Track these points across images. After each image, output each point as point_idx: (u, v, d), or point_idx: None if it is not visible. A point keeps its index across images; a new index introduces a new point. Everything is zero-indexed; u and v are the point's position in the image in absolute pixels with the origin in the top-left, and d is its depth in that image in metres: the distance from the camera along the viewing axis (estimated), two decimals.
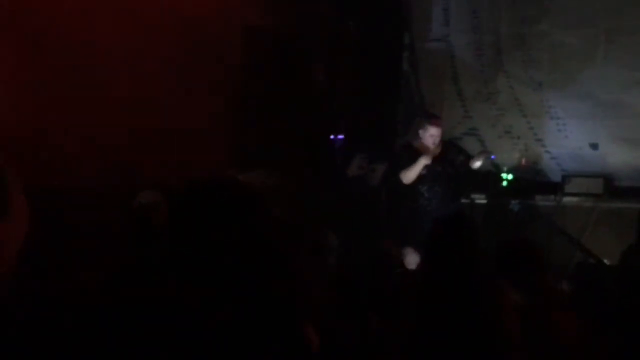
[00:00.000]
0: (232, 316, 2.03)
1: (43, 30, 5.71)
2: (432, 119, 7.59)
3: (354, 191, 7.98)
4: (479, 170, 7.69)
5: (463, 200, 8.14)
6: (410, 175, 7.23)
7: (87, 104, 5.94)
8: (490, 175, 8.33)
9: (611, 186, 8.13)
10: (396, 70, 8.71)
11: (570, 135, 8.38)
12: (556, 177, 8.35)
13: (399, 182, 7.38)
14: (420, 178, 7.28)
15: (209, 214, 2.18)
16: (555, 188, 8.27)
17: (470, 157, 7.45)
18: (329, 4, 8.38)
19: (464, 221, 3.88)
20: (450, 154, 7.40)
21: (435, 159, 7.28)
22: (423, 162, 7.18)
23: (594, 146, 8.31)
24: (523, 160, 8.50)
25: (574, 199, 8.22)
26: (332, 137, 8.40)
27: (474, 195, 8.31)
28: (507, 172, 8.25)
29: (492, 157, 8.54)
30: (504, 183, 8.21)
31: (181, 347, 2.01)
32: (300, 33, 7.97)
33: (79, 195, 5.49)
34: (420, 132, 7.35)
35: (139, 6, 6.22)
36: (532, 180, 8.43)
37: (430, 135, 7.29)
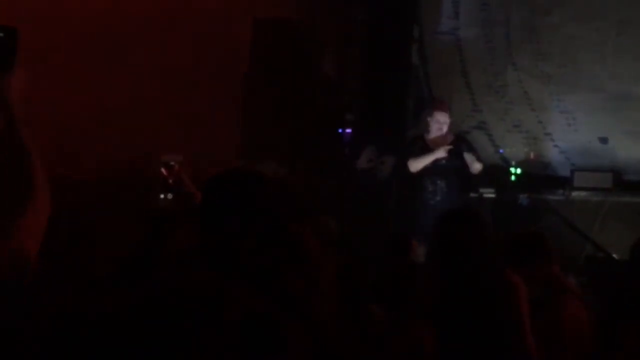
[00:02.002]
0: (251, 306, 2.03)
1: (58, 31, 5.71)
2: (438, 104, 7.57)
3: (363, 184, 7.97)
4: (487, 165, 7.66)
5: (471, 195, 8.11)
6: (418, 164, 7.13)
7: (100, 97, 5.94)
8: (499, 169, 8.31)
9: (620, 180, 8.10)
10: (405, 63, 8.68)
11: (580, 129, 8.35)
12: (565, 171, 8.32)
13: (406, 173, 7.32)
14: (424, 171, 7.21)
15: (237, 204, 2.20)
16: (564, 182, 8.24)
17: (478, 158, 7.34)
18: None
19: (473, 215, 3.87)
20: (460, 148, 7.32)
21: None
22: (438, 154, 7.09)
23: (604, 140, 8.28)
24: (532, 154, 8.47)
25: (583, 193, 8.19)
26: (340, 130, 8.38)
27: (482, 190, 8.28)
28: (516, 166, 8.22)
29: (501, 151, 8.53)
30: (513, 177, 8.19)
31: (198, 336, 2.01)
32: (309, 25, 7.96)
33: (93, 186, 5.50)
34: (428, 119, 7.30)
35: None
36: (541, 174, 8.41)
37: (437, 121, 7.21)
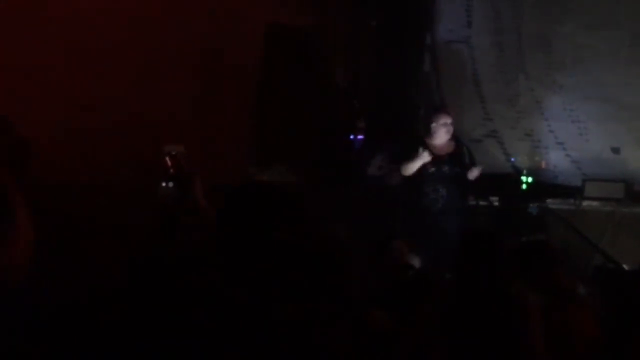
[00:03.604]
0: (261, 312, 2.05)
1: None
2: (440, 107, 7.56)
3: (372, 190, 7.97)
4: (499, 173, 7.67)
5: (482, 203, 8.10)
6: (408, 168, 7.11)
7: (108, 102, 5.95)
8: (510, 178, 8.29)
9: (632, 191, 8.08)
10: (417, 70, 8.68)
11: (592, 138, 8.34)
12: (576, 181, 8.30)
13: (405, 179, 7.30)
14: (425, 177, 7.18)
15: (254, 217, 2.24)
16: (575, 192, 8.22)
17: (474, 165, 7.27)
18: (351, 2, 8.38)
19: (493, 237, 3.87)
20: (461, 155, 7.28)
21: (443, 159, 7.19)
22: (424, 158, 7.00)
23: (616, 150, 8.26)
24: (543, 163, 8.46)
25: (594, 203, 8.17)
26: (352, 137, 8.40)
27: (492, 198, 8.27)
28: (527, 175, 8.21)
29: (512, 159, 8.51)
30: (524, 186, 8.17)
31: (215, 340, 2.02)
32: (322, 32, 7.98)
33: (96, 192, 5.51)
34: (433, 125, 7.23)
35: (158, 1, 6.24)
36: (552, 183, 8.39)
37: (443, 124, 7.19)
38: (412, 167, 7.10)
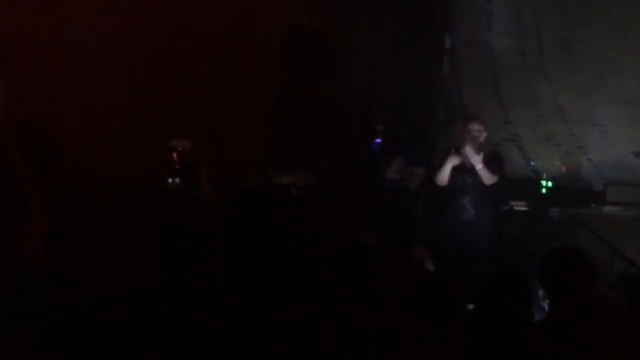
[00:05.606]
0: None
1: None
2: (472, 116, 7.55)
3: (392, 194, 7.93)
4: (519, 178, 7.59)
5: (503, 208, 8.02)
6: (441, 176, 7.12)
7: (127, 104, 5.94)
8: (530, 182, 8.23)
9: None
10: (437, 73, 8.64)
11: (614, 142, 8.26)
12: (598, 186, 8.23)
13: (434, 189, 7.30)
14: (451, 187, 7.15)
15: (261, 222, 2.21)
16: (597, 196, 8.14)
17: (496, 172, 7.21)
18: (371, 4, 8.36)
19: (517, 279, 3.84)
20: (492, 165, 7.20)
21: (468, 170, 7.15)
22: (450, 161, 7.05)
23: (638, 154, 8.18)
24: (564, 168, 8.39)
25: (616, 208, 8.08)
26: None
27: (513, 203, 8.20)
28: (548, 180, 8.13)
29: (532, 164, 8.45)
30: (544, 191, 8.10)
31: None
32: (341, 34, 7.95)
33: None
34: (465, 135, 7.22)
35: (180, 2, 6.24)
36: (573, 188, 8.31)
37: (468, 132, 7.17)
38: (443, 173, 7.08)
